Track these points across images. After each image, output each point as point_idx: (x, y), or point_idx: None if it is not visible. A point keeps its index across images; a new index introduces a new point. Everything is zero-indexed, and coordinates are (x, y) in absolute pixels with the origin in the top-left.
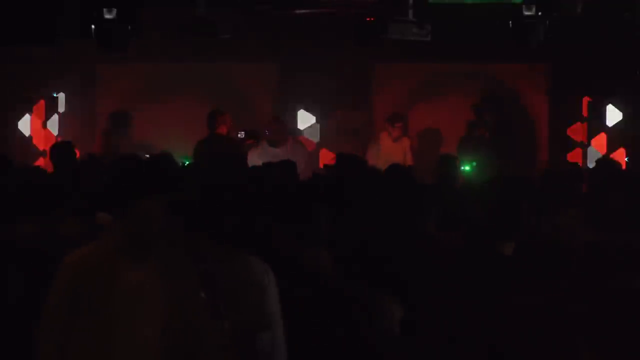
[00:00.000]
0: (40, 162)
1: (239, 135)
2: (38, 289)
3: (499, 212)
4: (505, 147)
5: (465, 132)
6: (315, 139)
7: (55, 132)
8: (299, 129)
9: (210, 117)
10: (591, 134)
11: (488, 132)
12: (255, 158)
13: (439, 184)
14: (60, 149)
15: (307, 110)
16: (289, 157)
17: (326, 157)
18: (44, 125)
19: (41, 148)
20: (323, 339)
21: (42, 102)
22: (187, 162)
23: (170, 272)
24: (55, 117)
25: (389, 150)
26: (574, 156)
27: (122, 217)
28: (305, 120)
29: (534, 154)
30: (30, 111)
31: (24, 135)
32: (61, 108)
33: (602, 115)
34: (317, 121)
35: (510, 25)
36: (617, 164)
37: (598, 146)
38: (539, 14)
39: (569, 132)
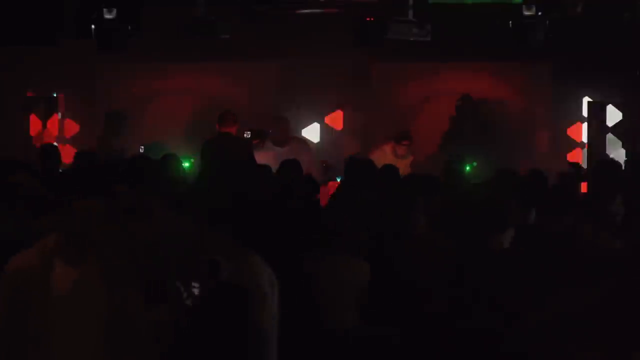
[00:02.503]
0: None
1: (245, 134)
2: None
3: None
4: (488, 146)
5: (448, 128)
6: (315, 139)
7: (55, 132)
8: (299, 129)
9: (220, 117)
10: (591, 134)
11: (471, 129)
12: (259, 157)
13: (445, 182)
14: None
15: (307, 110)
16: (292, 156)
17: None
18: (44, 125)
19: None
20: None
21: (42, 102)
22: (187, 163)
23: (108, 271)
24: (55, 117)
25: None
26: (574, 156)
27: (62, 217)
28: (305, 120)
29: (534, 154)
30: (30, 111)
31: (24, 135)
32: (61, 108)
33: (602, 115)
34: (317, 121)
35: (510, 25)
36: (617, 164)
37: (598, 146)
38: (539, 14)
39: (569, 132)
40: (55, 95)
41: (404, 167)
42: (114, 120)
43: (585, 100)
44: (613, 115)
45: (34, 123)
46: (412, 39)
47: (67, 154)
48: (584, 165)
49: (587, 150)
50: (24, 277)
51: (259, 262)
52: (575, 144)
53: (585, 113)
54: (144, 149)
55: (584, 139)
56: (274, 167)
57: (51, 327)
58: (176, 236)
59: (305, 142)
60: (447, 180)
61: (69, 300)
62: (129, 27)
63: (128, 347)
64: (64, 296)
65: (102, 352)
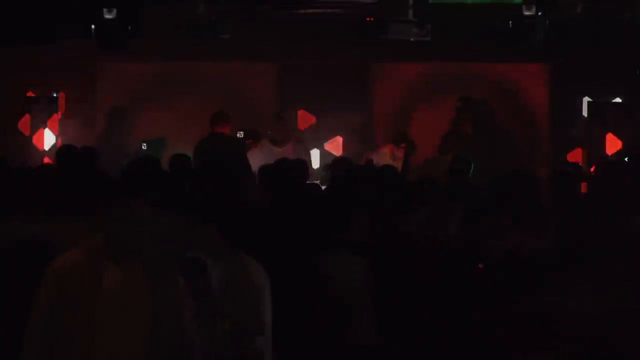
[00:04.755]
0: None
1: (237, 134)
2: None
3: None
4: (488, 146)
5: (448, 128)
6: (315, 139)
7: (55, 132)
8: (299, 129)
9: (213, 117)
10: (591, 134)
11: (471, 129)
12: (257, 157)
13: (450, 182)
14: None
15: (307, 110)
16: (291, 156)
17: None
18: (44, 125)
19: (41, 148)
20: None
21: (42, 102)
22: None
23: (153, 272)
24: (55, 117)
25: None
26: (574, 156)
27: (106, 218)
28: (305, 120)
29: (534, 154)
30: (30, 111)
31: (24, 135)
32: (61, 108)
33: (602, 115)
34: (317, 121)
35: (510, 25)
36: (618, 164)
37: (598, 146)
38: (539, 14)
39: (569, 132)
40: (55, 95)
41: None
42: (117, 118)
43: (585, 100)
44: (613, 116)
45: (34, 123)
46: (412, 39)
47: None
48: (584, 165)
49: (587, 151)
50: (73, 275)
51: (250, 260)
52: (575, 144)
53: (585, 113)
54: (146, 145)
55: (584, 139)
56: None
57: (98, 326)
58: (168, 235)
59: (304, 142)
60: (451, 181)
61: (117, 298)
62: (129, 27)
63: (171, 349)
64: (113, 294)
65: (144, 352)
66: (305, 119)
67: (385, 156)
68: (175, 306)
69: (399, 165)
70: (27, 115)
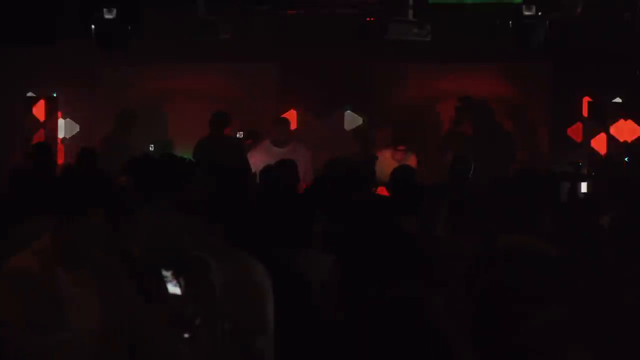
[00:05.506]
0: None
1: (237, 135)
2: None
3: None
4: (488, 146)
5: (448, 128)
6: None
7: (55, 132)
8: (299, 129)
9: (212, 117)
10: (591, 134)
11: (471, 129)
12: (257, 157)
13: (450, 183)
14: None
15: (306, 110)
16: (291, 157)
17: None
18: (44, 125)
19: None
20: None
21: (42, 102)
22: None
23: (103, 278)
24: (55, 117)
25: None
26: (574, 156)
27: (61, 224)
28: (305, 119)
29: (534, 154)
30: (30, 111)
31: (24, 135)
32: (61, 108)
33: (602, 115)
34: (316, 121)
35: (510, 25)
36: (618, 164)
37: (598, 146)
38: (539, 14)
39: (569, 132)
40: (55, 95)
41: None
42: (126, 118)
43: (585, 100)
44: (613, 116)
45: (34, 123)
46: (412, 39)
47: (68, 154)
48: (585, 165)
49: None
50: (26, 277)
51: (251, 258)
52: (575, 144)
53: (585, 113)
54: (154, 147)
55: (584, 139)
56: None
57: (50, 330)
58: (166, 233)
59: (304, 144)
60: (453, 182)
61: (68, 302)
62: (129, 27)
63: (123, 349)
64: (63, 297)
65: (97, 356)
66: (305, 119)
67: (387, 158)
68: (125, 309)
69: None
70: (27, 115)
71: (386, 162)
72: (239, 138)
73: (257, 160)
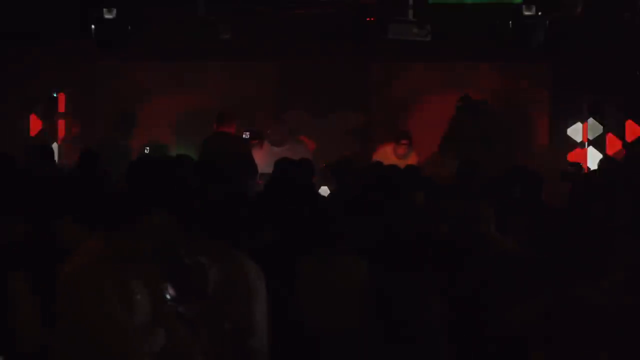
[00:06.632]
0: None
1: (244, 135)
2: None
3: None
4: (488, 146)
5: (447, 129)
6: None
7: (55, 132)
8: (299, 129)
9: (219, 116)
10: (591, 134)
11: (471, 129)
12: (258, 158)
13: (458, 185)
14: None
15: (306, 110)
16: (291, 157)
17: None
18: (44, 125)
19: None
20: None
21: (42, 102)
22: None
23: (152, 281)
24: (55, 117)
25: None
26: (574, 156)
27: (124, 229)
28: (305, 120)
29: (534, 154)
30: (30, 111)
31: (24, 136)
32: (61, 108)
33: (602, 115)
34: (316, 121)
35: (510, 25)
36: (618, 164)
37: (598, 147)
38: (539, 14)
39: (569, 132)
40: (55, 95)
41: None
42: (125, 120)
43: (585, 100)
44: (613, 116)
45: (34, 123)
46: (412, 39)
47: (68, 154)
48: (585, 165)
49: (587, 151)
50: (82, 280)
51: (244, 258)
52: (575, 144)
53: (585, 113)
54: (149, 150)
55: (584, 139)
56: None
57: (106, 333)
58: (163, 240)
59: (303, 142)
60: (460, 183)
61: (122, 310)
62: (129, 27)
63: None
64: (119, 306)
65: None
66: (305, 119)
67: (387, 155)
68: (170, 315)
69: (403, 163)
70: (27, 115)
71: (387, 157)
72: (245, 138)
73: (258, 160)
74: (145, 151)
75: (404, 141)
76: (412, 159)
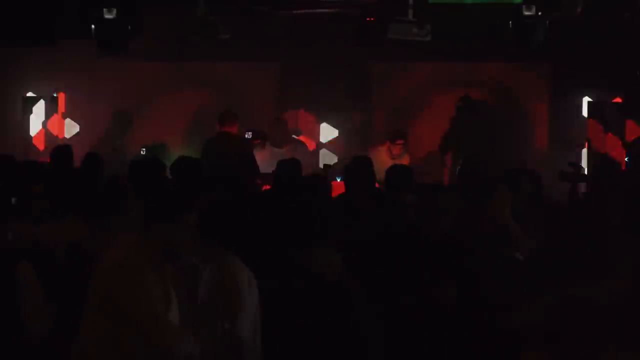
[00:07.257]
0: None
1: (246, 135)
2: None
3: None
4: (488, 146)
5: (448, 128)
6: (316, 139)
7: (55, 132)
8: (299, 129)
9: (221, 116)
10: (591, 134)
11: (471, 129)
12: (259, 158)
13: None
14: (60, 152)
15: (306, 110)
16: (291, 157)
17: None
18: (44, 125)
19: (41, 148)
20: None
21: (42, 102)
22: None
23: (184, 277)
24: (55, 117)
25: (386, 167)
26: (573, 156)
27: (159, 227)
28: (304, 120)
29: (534, 154)
30: (30, 111)
31: (24, 135)
32: (61, 108)
33: (602, 115)
34: (316, 121)
35: (510, 25)
36: (618, 164)
37: (598, 146)
38: (539, 14)
39: (569, 132)
40: (55, 95)
41: None
42: (122, 121)
43: (585, 100)
44: (612, 115)
45: (34, 123)
46: (412, 39)
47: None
48: (585, 165)
49: (587, 150)
50: (117, 279)
51: (237, 261)
52: (575, 144)
53: (585, 113)
54: (145, 150)
55: (584, 139)
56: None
57: (137, 325)
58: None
59: (303, 143)
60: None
61: (154, 303)
62: (129, 27)
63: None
64: (152, 300)
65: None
66: (305, 119)
67: (382, 154)
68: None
69: (397, 162)
70: (27, 115)
71: (382, 157)
72: (247, 139)
73: (258, 160)
74: (142, 152)
75: (399, 141)
76: (405, 160)
